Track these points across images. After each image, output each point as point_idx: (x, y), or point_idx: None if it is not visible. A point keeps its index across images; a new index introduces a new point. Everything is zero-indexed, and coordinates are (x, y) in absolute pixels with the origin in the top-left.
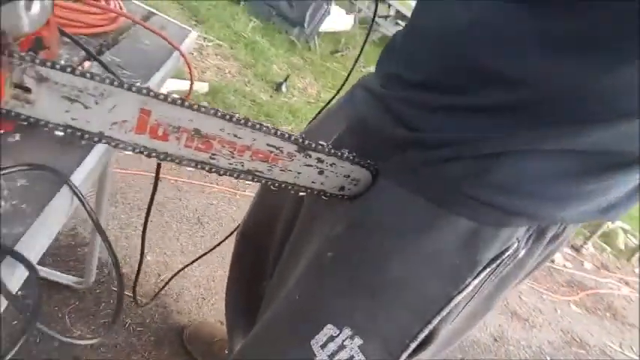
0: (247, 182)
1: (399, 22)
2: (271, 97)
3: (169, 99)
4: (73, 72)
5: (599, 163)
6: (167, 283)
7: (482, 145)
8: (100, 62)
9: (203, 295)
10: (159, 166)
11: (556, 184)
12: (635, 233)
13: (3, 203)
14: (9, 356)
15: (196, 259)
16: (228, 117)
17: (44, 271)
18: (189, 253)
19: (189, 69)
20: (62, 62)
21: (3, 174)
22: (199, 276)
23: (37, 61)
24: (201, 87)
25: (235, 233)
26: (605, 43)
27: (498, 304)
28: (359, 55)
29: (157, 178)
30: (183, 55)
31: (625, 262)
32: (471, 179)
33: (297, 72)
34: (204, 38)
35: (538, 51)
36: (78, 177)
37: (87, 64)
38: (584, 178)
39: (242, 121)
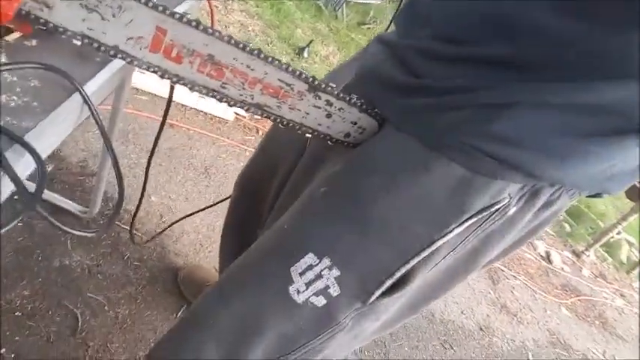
0: (261, 136)
1: None
2: (292, 60)
3: (185, 19)
4: None
5: (605, 123)
6: (170, 226)
7: (487, 95)
8: None
9: (201, 242)
10: (172, 88)
11: (559, 140)
12: None
13: (15, 98)
14: (5, 228)
15: (202, 209)
16: (242, 46)
17: (51, 196)
18: (192, 200)
19: (212, 15)
20: None
21: (17, 68)
22: (200, 223)
23: None
24: None
25: (237, 178)
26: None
27: (479, 267)
28: (389, 24)
29: (169, 102)
30: (209, 2)
31: (624, 275)
32: (471, 127)
33: (321, 39)
34: None
35: (547, 5)
36: (90, 88)
37: None
38: (589, 137)
39: (255, 52)
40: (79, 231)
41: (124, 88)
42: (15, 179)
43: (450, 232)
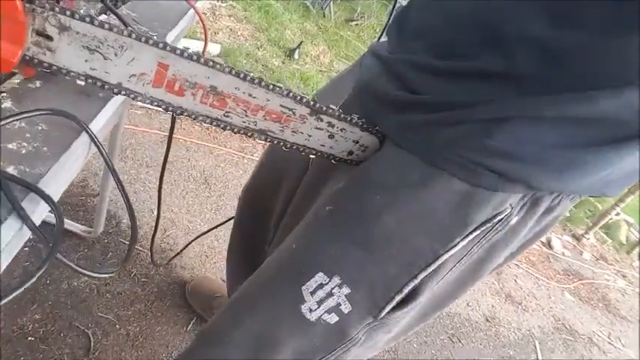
0: (258, 143)
1: None
2: (283, 62)
3: (186, 54)
4: (92, 22)
5: (602, 133)
6: (187, 245)
7: (484, 110)
8: (117, 15)
9: (206, 253)
10: (173, 119)
11: (557, 153)
12: (639, 227)
13: (26, 145)
14: (28, 284)
15: (215, 227)
16: (243, 76)
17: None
18: (194, 212)
19: (204, 28)
20: (82, 11)
21: (26, 117)
22: (204, 236)
23: (58, 9)
24: (214, 48)
25: (241, 192)
26: (607, 10)
27: (486, 274)
28: (382, 33)
29: (171, 132)
30: (198, 14)
31: (625, 255)
32: (470, 142)
33: (311, 39)
34: None
35: (543, 16)
36: (96, 126)
37: (102, 17)
38: (586, 148)
39: (257, 81)
40: (99, 273)
41: (124, 113)
42: (33, 229)
43: (455, 245)
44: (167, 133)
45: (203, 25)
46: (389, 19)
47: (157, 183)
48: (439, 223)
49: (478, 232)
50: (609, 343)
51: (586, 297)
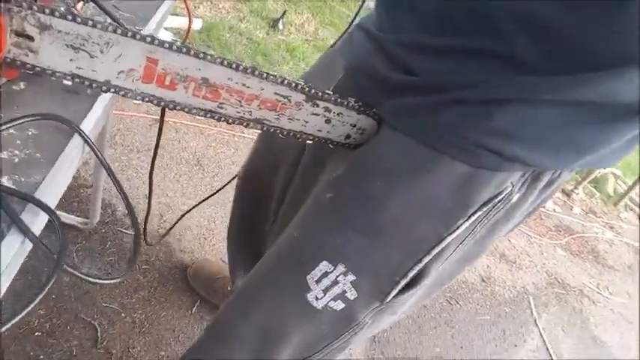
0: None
1: None
2: (268, 34)
3: (175, 47)
4: (74, 19)
5: (600, 114)
6: (174, 224)
7: (482, 91)
8: (97, 3)
9: (204, 235)
10: (163, 109)
11: (556, 132)
12: (625, 179)
13: (17, 152)
14: (39, 297)
15: (201, 202)
16: (235, 66)
17: None
18: (189, 195)
19: (187, 6)
20: (62, 9)
21: (16, 124)
22: (201, 217)
23: (36, 7)
24: (195, 23)
25: (237, 176)
26: None
27: (487, 250)
28: (357, 13)
29: (161, 122)
30: None
31: (612, 207)
32: (469, 124)
33: (294, 7)
34: None
35: None
36: (87, 125)
37: (80, 5)
38: (585, 128)
39: (250, 71)
40: (107, 279)
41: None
42: (35, 242)
43: (458, 227)
44: (155, 117)
45: (186, 3)
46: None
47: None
48: (442, 207)
49: (480, 212)
50: (598, 293)
51: (576, 251)
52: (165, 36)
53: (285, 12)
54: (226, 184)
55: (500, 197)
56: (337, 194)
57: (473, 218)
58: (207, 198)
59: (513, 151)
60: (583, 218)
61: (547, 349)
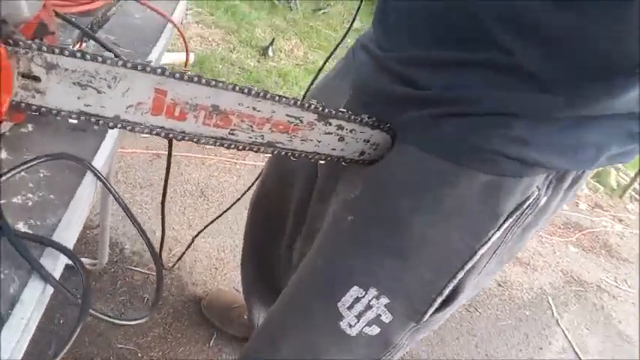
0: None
1: None
2: (259, 62)
3: (185, 77)
4: (84, 57)
5: (617, 124)
6: (181, 256)
7: (494, 104)
8: (98, 41)
9: (215, 266)
10: (171, 141)
11: (572, 135)
12: (627, 171)
13: (31, 196)
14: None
15: (205, 227)
16: (246, 91)
17: (57, 255)
18: (195, 226)
19: (184, 40)
20: (72, 47)
21: (26, 167)
22: (210, 247)
23: (45, 48)
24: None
25: (249, 202)
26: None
27: (516, 254)
28: (346, 34)
29: (169, 154)
30: (176, 27)
31: (618, 200)
32: (486, 134)
33: (282, 34)
34: None
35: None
36: (98, 162)
37: (83, 45)
38: (602, 129)
39: (261, 94)
40: (133, 320)
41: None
42: (58, 288)
43: (490, 238)
44: (155, 151)
45: (183, 37)
46: (360, 4)
47: (154, 203)
48: (470, 219)
49: (510, 220)
50: (617, 287)
51: (589, 246)
52: None
53: (273, 39)
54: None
55: (527, 203)
56: (358, 216)
57: (504, 227)
58: (216, 219)
59: (532, 156)
60: (590, 213)
61: (573, 349)
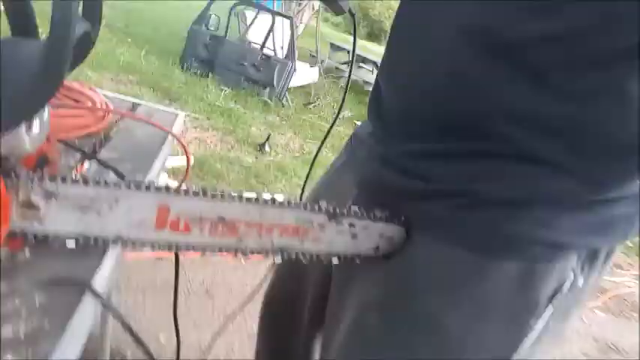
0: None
1: (362, 64)
2: (256, 158)
3: (190, 192)
4: (85, 183)
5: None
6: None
7: (510, 192)
8: (100, 161)
9: None
10: (177, 256)
11: (603, 214)
12: None
13: (23, 326)
14: None
15: (215, 339)
16: (253, 200)
17: None
18: (202, 326)
19: (185, 150)
20: (73, 175)
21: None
22: (218, 349)
23: (46, 178)
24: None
25: (261, 303)
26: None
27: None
28: (336, 117)
29: (177, 263)
30: (177, 139)
31: (636, 259)
32: (510, 222)
33: (276, 130)
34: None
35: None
36: (99, 282)
37: (85, 166)
38: (628, 204)
39: (269, 202)
40: None
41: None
42: None
43: (532, 329)
44: (159, 254)
45: (184, 148)
46: (345, 93)
47: (159, 306)
48: (508, 311)
49: (550, 306)
50: None
51: (616, 310)
52: (162, 177)
53: (269, 135)
54: (243, 306)
55: (567, 286)
56: (386, 320)
57: (545, 315)
58: (227, 322)
59: (561, 239)
60: (611, 275)
61: None
